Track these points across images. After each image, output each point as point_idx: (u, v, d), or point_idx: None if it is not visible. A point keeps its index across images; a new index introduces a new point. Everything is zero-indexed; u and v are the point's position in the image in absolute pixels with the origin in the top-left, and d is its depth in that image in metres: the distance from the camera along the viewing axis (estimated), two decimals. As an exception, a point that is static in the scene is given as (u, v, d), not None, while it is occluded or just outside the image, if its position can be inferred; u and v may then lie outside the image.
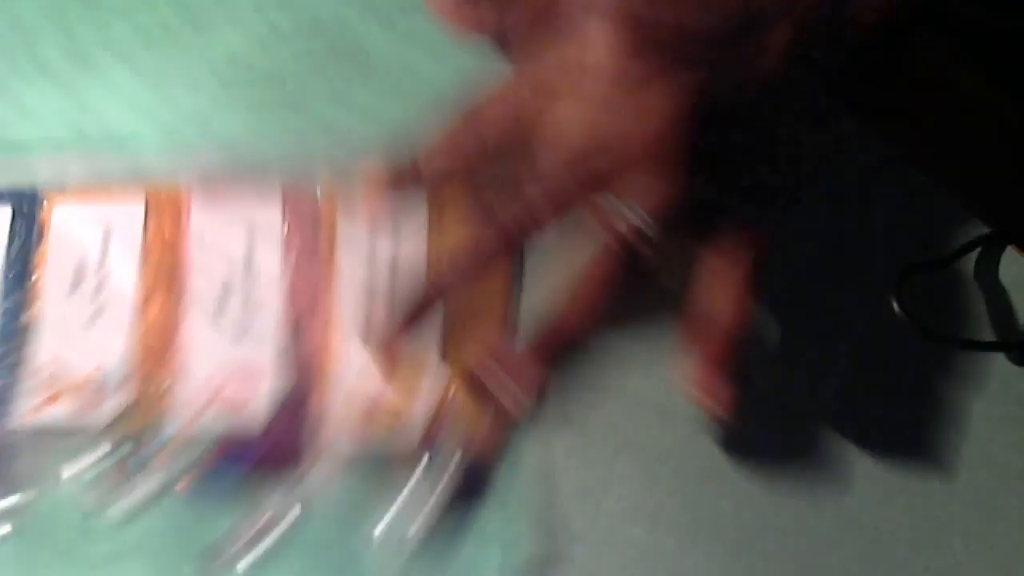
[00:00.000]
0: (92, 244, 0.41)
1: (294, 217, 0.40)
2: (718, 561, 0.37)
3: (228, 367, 0.38)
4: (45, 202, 0.42)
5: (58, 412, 0.37)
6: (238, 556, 0.35)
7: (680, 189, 0.36)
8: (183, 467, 0.37)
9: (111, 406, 0.38)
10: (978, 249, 0.42)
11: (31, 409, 0.38)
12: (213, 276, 0.40)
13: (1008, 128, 0.47)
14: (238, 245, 0.40)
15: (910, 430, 0.39)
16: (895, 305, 0.40)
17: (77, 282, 0.40)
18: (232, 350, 0.39)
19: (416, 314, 0.37)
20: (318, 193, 0.40)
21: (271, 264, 0.40)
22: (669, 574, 0.36)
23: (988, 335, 0.41)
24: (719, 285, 0.37)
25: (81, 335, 0.39)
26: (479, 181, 0.40)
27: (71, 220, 0.41)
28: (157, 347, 0.39)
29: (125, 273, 0.40)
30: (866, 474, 0.38)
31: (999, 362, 0.40)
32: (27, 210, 0.42)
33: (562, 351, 0.38)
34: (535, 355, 0.38)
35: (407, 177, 0.38)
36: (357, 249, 0.40)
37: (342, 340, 0.38)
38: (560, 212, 0.37)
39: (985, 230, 0.42)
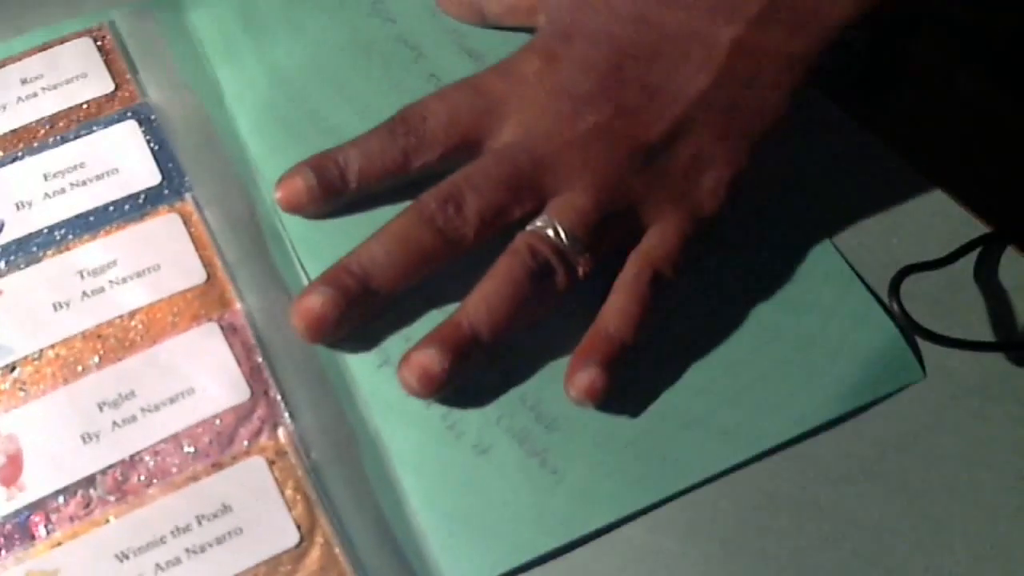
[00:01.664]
0: (130, 259, 0.40)
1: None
2: (717, 561, 0.36)
3: (41, 445, 0.36)
4: (187, 195, 0.42)
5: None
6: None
7: (598, 206, 0.38)
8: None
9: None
10: (978, 249, 0.42)
11: None
12: (135, 380, 0.38)
13: (1008, 128, 0.48)
14: (186, 380, 0.38)
15: (910, 431, 0.39)
16: (893, 305, 0.40)
17: (92, 272, 0.40)
18: (63, 436, 0.37)
19: (347, 300, 0.38)
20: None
21: (191, 413, 0.37)
22: (669, 574, 0.36)
23: (987, 335, 0.41)
24: (619, 291, 0.39)
25: (25, 306, 0.39)
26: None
27: (161, 228, 0.41)
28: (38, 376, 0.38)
29: (111, 309, 0.39)
30: (865, 475, 0.38)
31: (999, 362, 0.40)
32: (168, 187, 0.42)
33: (462, 344, 0.37)
34: (433, 342, 0.37)
35: (331, 184, 0.40)
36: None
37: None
38: (487, 215, 0.38)
39: (985, 230, 0.42)
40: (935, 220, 0.43)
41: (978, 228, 0.42)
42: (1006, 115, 0.49)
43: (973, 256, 0.42)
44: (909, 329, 0.40)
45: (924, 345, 0.40)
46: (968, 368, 0.40)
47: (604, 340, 0.38)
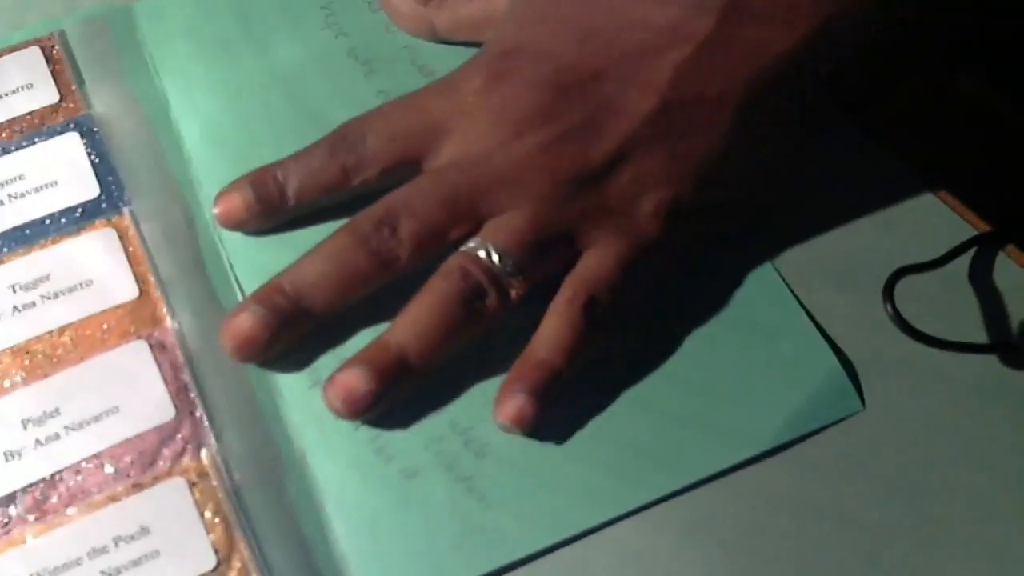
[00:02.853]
0: (64, 274, 0.40)
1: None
2: (715, 561, 0.36)
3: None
4: (125, 209, 0.41)
5: None
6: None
7: (534, 228, 0.38)
8: None
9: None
10: (972, 250, 0.41)
11: None
12: (61, 398, 0.38)
13: (1008, 128, 0.47)
14: (112, 398, 0.38)
15: (908, 433, 0.39)
16: (887, 307, 0.40)
17: (24, 286, 0.40)
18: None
19: (279, 320, 0.37)
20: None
21: (115, 432, 0.37)
22: (665, 574, 0.36)
23: (982, 337, 0.40)
24: (552, 316, 0.38)
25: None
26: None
27: (96, 243, 0.41)
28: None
29: (41, 324, 0.39)
30: (864, 474, 0.38)
31: (994, 363, 0.40)
32: (106, 201, 0.41)
33: (388, 366, 0.37)
34: (358, 363, 0.37)
35: (270, 200, 0.40)
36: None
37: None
38: (422, 237, 0.38)
39: (978, 231, 0.42)
40: (929, 221, 0.42)
41: (971, 229, 0.42)
42: (1006, 115, 0.49)
43: (967, 257, 0.41)
44: (903, 331, 0.39)
45: (919, 347, 0.40)
46: (963, 370, 0.40)
47: (535, 367, 0.37)
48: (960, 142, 0.45)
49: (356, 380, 0.36)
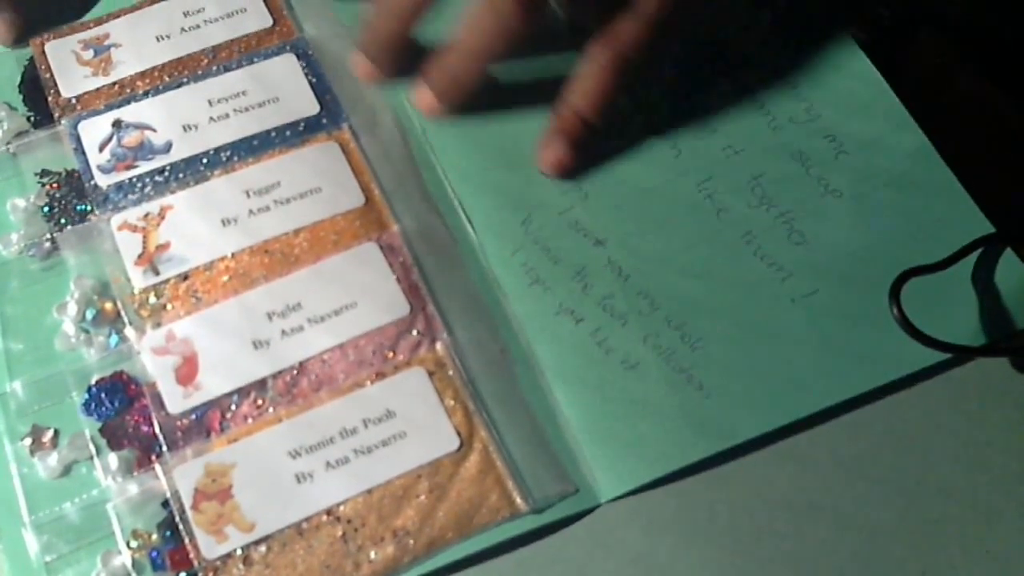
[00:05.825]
0: (293, 181, 0.42)
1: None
2: (714, 564, 0.37)
3: (215, 349, 0.39)
4: (344, 125, 0.44)
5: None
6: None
7: None
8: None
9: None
10: (978, 251, 0.41)
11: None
12: (302, 293, 0.40)
13: (1008, 128, 0.48)
14: (349, 294, 0.40)
15: (907, 434, 0.39)
16: (893, 310, 0.40)
17: (258, 191, 0.42)
18: (236, 341, 0.39)
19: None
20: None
21: (355, 325, 0.39)
22: (665, 574, 0.37)
23: (985, 339, 0.40)
24: (583, 72, 0.41)
25: (196, 220, 0.42)
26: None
27: (321, 154, 0.43)
28: (210, 285, 0.40)
29: (277, 226, 0.41)
30: (863, 477, 0.38)
31: (996, 366, 0.40)
32: (326, 117, 0.44)
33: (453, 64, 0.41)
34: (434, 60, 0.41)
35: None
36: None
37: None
38: None
39: (984, 231, 0.42)
40: (935, 222, 0.42)
41: (978, 229, 0.42)
42: (1006, 115, 0.49)
43: (972, 258, 0.42)
44: (908, 333, 0.39)
45: (921, 348, 0.39)
46: (965, 372, 0.40)
47: (571, 119, 0.42)
48: (960, 142, 0.45)
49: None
